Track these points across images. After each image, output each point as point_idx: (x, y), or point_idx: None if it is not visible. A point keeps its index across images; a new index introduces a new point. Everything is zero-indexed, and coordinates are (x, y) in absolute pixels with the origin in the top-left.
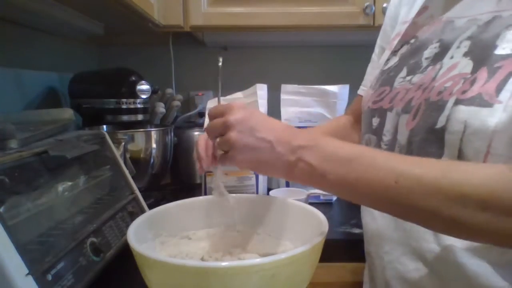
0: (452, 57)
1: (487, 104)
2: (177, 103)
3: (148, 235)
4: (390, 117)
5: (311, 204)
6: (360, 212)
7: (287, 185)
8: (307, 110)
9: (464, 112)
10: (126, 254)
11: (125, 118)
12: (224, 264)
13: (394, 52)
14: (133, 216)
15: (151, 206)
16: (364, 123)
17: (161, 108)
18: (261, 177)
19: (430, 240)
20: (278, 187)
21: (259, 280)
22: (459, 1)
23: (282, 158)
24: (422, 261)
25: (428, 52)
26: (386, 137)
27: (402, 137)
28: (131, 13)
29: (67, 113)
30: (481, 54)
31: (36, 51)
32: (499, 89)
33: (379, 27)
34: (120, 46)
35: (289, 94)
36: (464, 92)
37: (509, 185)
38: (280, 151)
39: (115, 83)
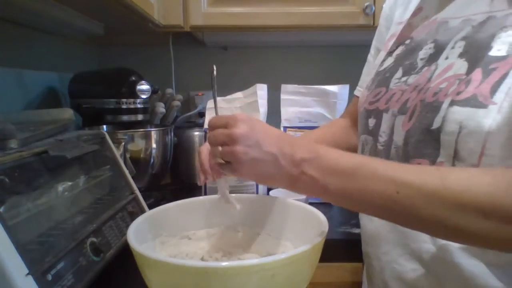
0: (447, 58)
1: (482, 105)
2: (177, 103)
3: (148, 235)
4: (386, 118)
5: (311, 204)
6: (359, 213)
7: None
8: (307, 110)
9: (459, 113)
10: (126, 254)
11: (125, 118)
12: (224, 264)
13: (389, 53)
14: (133, 216)
15: (151, 206)
16: (361, 124)
17: (161, 108)
18: None
19: (426, 241)
20: (278, 187)
21: (259, 280)
22: (452, 1)
23: (285, 171)
24: (419, 262)
25: (423, 53)
26: (382, 138)
27: (399, 138)
28: (131, 13)
29: (67, 113)
30: (476, 55)
31: (36, 51)
32: (494, 90)
33: None
34: (120, 46)
35: (289, 94)
36: (459, 93)
37: (509, 192)
38: (284, 165)
39: (115, 83)
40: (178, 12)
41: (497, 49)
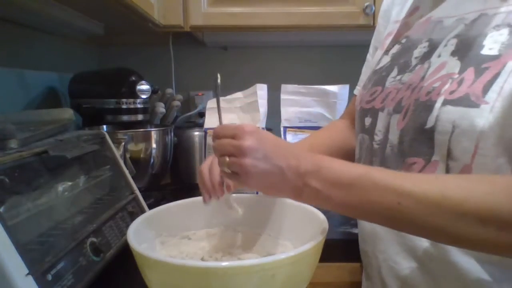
0: (439, 56)
1: (474, 105)
2: (177, 103)
3: (148, 235)
4: (381, 117)
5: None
6: None
7: None
8: (307, 110)
9: (452, 113)
10: (126, 254)
11: (125, 118)
12: (224, 264)
13: (386, 52)
14: (133, 216)
15: (151, 206)
16: (357, 123)
17: (161, 108)
18: None
19: (422, 239)
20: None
21: (259, 280)
22: None
23: (290, 183)
24: (415, 259)
25: (418, 52)
26: (378, 136)
27: (394, 137)
28: (131, 13)
29: (67, 113)
30: (468, 53)
31: (36, 51)
32: (486, 90)
33: None
34: (120, 46)
35: (289, 94)
36: (452, 92)
37: (508, 200)
38: (290, 177)
39: (115, 83)
40: (178, 12)
41: (489, 48)
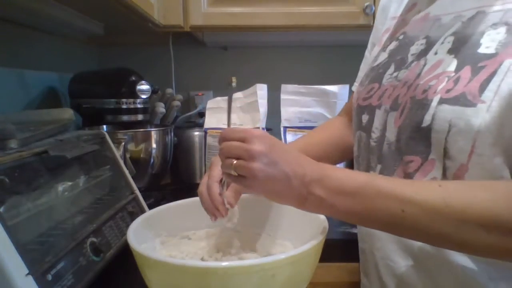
0: (436, 53)
1: (471, 104)
2: (177, 103)
3: (148, 235)
4: (378, 114)
5: None
6: None
7: None
8: (307, 110)
9: (448, 112)
10: (126, 254)
11: (125, 118)
12: (224, 264)
13: (383, 48)
14: (133, 216)
15: (151, 206)
16: (355, 120)
17: (161, 108)
18: None
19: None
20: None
21: (259, 280)
22: None
23: (295, 191)
24: (411, 258)
25: (415, 48)
26: (375, 134)
27: (391, 134)
28: (131, 13)
29: (67, 113)
30: (465, 51)
31: (36, 51)
32: (482, 88)
33: None
34: (120, 46)
35: (289, 94)
36: (448, 91)
37: (509, 206)
38: (295, 185)
39: (115, 83)
40: (178, 12)
41: (486, 47)
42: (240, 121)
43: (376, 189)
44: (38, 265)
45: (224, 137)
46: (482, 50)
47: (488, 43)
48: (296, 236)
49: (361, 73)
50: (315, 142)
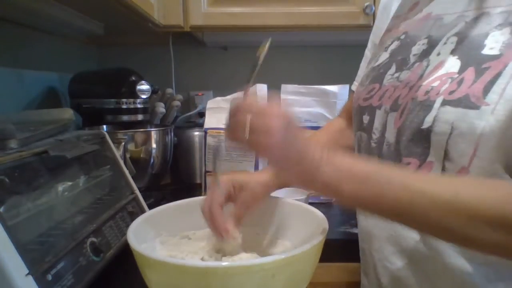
0: (439, 54)
1: (474, 106)
2: (177, 103)
3: (148, 235)
4: (379, 115)
5: (311, 204)
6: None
7: None
8: (307, 110)
9: (451, 114)
10: (126, 254)
11: (125, 118)
12: (224, 264)
13: (385, 48)
14: (133, 216)
15: (151, 206)
16: (355, 120)
17: (161, 108)
18: None
19: (417, 239)
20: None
21: (259, 280)
22: None
23: (304, 169)
24: (409, 260)
25: (416, 49)
26: (375, 135)
27: (390, 135)
28: (131, 13)
29: (67, 113)
30: (469, 52)
31: (36, 51)
32: (486, 90)
33: None
34: (120, 46)
35: (289, 94)
36: (451, 92)
37: None
38: (305, 163)
39: (115, 83)
40: (178, 12)
41: (490, 48)
42: None
43: (386, 177)
44: (38, 265)
45: (240, 108)
46: (486, 51)
47: (492, 44)
48: (296, 236)
49: (361, 72)
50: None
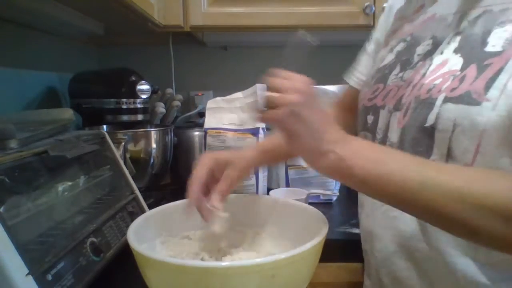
0: (442, 53)
1: (475, 102)
2: (177, 103)
3: (148, 235)
4: (382, 115)
5: (311, 204)
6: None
7: (287, 185)
8: None
9: (453, 111)
10: (126, 254)
11: (125, 118)
12: (224, 264)
13: (391, 50)
14: (133, 216)
15: (151, 206)
16: (360, 120)
17: (161, 108)
18: (261, 177)
19: (419, 240)
20: (278, 187)
21: (259, 280)
22: None
23: (315, 144)
24: (411, 260)
25: (421, 49)
26: (379, 135)
27: (393, 135)
28: (131, 13)
29: (67, 113)
30: (471, 50)
31: (36, 51)
32: (488, 86)
33: None
34: (120, 46)
35: None
36: (453, 89)
37: None
38: (317, 138)
39: (115, 83)
40: (178, 12)
41: (492, 45)
42: (240, 121)
43: (398, 161)
44: (38, 265)
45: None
46: (488, 48)
47: (495, 41)
48: (296, 236)
49: (358, 66)
50: None
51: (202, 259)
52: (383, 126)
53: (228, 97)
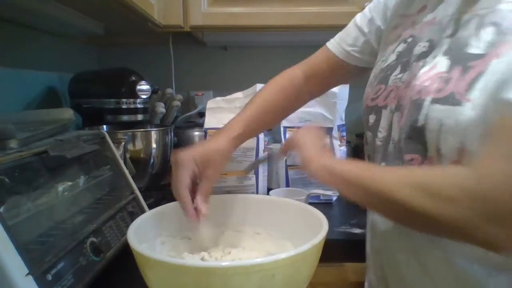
0: (434, 56)
1: (458, 103)
2: (177, 103)
3: (148, 235)
4: (385, 115)
5: (311, 204)
6: (360, 212)
7: (287, 185)
8: (307, 110)
9: (439, 111)
10: (126, 254)
11: (125, 118)
12: (224, 264)
13: (392, 50)
14: (133, 216)
15: (151, 206)
16: (363, 120)
17: (161, 108)
18: (261, 177)
19: (424, 238)
20: (278, 187)
21: (259, 280)
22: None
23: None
24: (416, 259)
25: (417, 50)
26: (381, 133)
27: (396, 134)
28: (131, 13)
29: (67, 113)
30: (458, 53)
31: (36, 51)
32: (470, 88)
33: None
34: (120, 46)
35: None
36: (439, 91)
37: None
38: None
39: (115, 83)
40: (178, 12)
41: (476, 47)
42: None
43: (359, 175)
44: (38, 265)
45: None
46: (471, 50)
47: (478, 43)
48: (296, 236)
49: (344, 34)
50: (271, 110)
51: (202, 259)
52: (386, 125)
53: (228, 97)
